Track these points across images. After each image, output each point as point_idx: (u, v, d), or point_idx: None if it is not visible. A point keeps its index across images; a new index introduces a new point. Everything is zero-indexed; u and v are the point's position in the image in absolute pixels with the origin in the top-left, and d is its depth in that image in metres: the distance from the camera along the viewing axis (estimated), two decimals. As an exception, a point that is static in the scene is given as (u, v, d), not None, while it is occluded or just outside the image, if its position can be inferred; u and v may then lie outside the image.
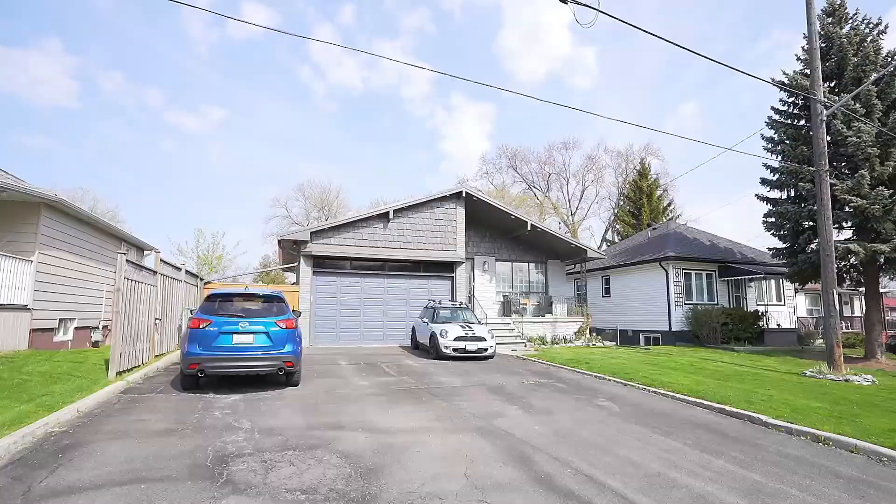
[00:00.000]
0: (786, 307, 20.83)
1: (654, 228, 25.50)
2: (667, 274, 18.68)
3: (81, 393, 6.90)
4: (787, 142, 16.14)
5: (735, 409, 6.53)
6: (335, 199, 47.60)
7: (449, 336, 12.03)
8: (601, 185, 46.13)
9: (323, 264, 16.04)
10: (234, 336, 7.36)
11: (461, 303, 15.12)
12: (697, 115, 73.06)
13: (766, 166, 16.80)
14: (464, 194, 17.43)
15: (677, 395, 7.54)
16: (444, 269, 17.44)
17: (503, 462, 4.54)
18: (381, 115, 72.38)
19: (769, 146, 16.73)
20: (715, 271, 19.59)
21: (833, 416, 6.29)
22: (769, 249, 17.28)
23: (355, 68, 69.74)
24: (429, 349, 12.72)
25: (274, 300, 8.03)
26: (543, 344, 16.64)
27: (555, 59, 69.93)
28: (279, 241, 15.57)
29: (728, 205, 65.81)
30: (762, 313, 17.95)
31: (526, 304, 19.51)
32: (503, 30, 70.01)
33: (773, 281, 20.43)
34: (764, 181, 16.90)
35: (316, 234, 15.69)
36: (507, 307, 18.51)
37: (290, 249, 15.94)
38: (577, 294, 22.68)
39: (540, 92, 70.91)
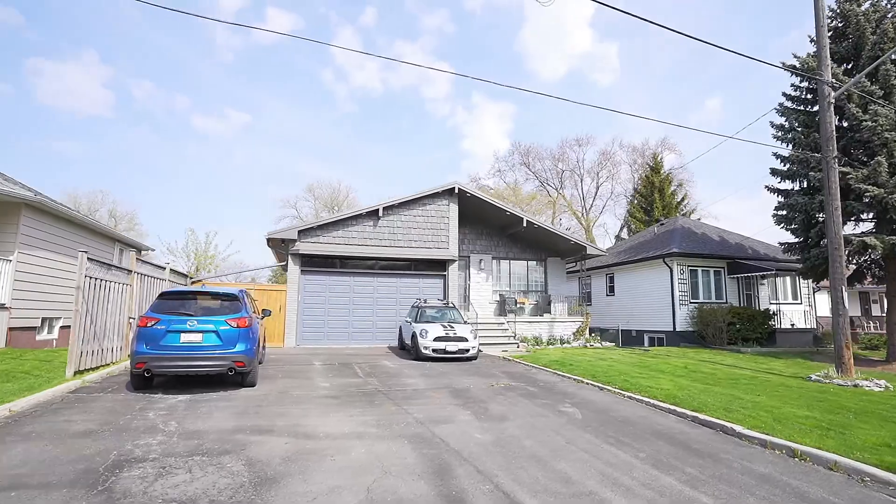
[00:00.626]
0: (802, 306, 19.67)
1: (662, 224, 24.52)
2: (671, 271, 17.83)
3: (28, 392, 6.73)
4: (799, 129, 15.16)
5: (709, 418, 5.91)
6: (345, 199, 47.75)
7: (428, 336, 11.60)
8: (616, 181, 44.99)
9: (311, 263, 15.81)
10: (182, 335, 7.09)
11: (447, 302, 14.66)
12: (721, 108, 70.74)
13: (777, 156, 15.84)
14: (456, 190, 16.96)
15: (652, 401, 6.93)
16: (436, 267, 17.01)
17: (419, 475, 4.09)
18: (400, 115, 72.43)
19: (779, 134, 15.77)
20: (724, 268, 18.61)
21: (820, 426, 5.62)
22: (780, 244, 16.30)
23: (376, 70, 69.93)
24: (410, 349, 12.31)
25: (229, 298, 7.74)
26: (538, 345, 16.04)
27: (576, 57, 68.70)
28: (268, 240, 15.40)
29: (734, 193, 63.42)
30: (773, 312, 16.92)
31: (524, 304, 18.93)
32: (524, 28, 69.09)
33: (787, 278, 19.31)
34: (774, 171, 15.93)
35: (303, 232, 15.46)
36: (502, 307, 17.96)
37: (280, 248, 15.75)
38: (582, 293, 21.97)
39: (561, 90, 69.74)
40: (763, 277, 18.57)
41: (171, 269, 13.23)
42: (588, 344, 16.59)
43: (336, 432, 5.35)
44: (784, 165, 15.81)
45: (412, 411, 6.42)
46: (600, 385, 8.28)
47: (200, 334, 7.16)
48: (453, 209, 17.20)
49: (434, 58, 70.12)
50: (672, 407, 6.54)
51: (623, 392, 7.65)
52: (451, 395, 7.49)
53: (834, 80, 11.30)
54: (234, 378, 7.68)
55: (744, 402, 6.76)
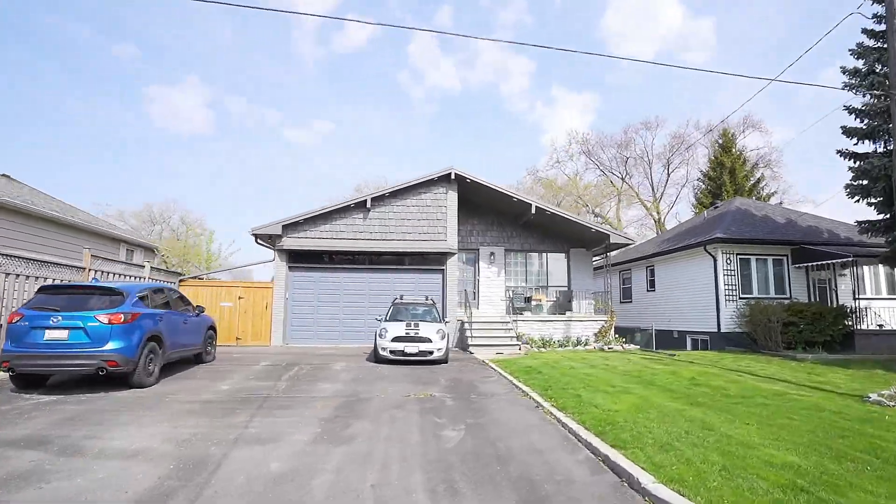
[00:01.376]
0: (902, 302, 15.47)
1: (716, 206, 20.92)
2: (714, 261, 14.81)
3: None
4: (880, 71, 11.71)
5: (620, 460, 3.99)
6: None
7: (387, 336, 10.28)
8: (692, 166, 40.00)
9: (298, 259, 15.17)
10: (47, 332, 6.48)
11: (428, 299, 13.20)
12: (835, 80, 60.87)
13: (849, 109, 12.42)
14: (453, 176, 15.44)
15: (577, 428, 5.05)
16: (434, 261, 15.60)
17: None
18: (479, 113, 71.30)
19: (853, 81, 12.34)
20: (786, 256, 15.13)
21: (799, 488, 3.51)
22: (856, 223, 12.81)
23: (453, 69, 69.44)
24: (378, 350, 11.07)
25: (108, 293, 7.04)
26: (544, 347, 14.01)
27: (665, 37, 63.13)
28: (256, 237, 14.98)
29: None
30: (851, 309, 13.29)
31: (540, 301, 16.87)
32: (607, 12, 64.85)
33: (881, 268, 15.27)
34: (847, 131, 12.53)
35: (289, 227, 14.85)
36: (512, 304, 16.07)
37: (268, 244, 15.28)
38: (607, 289, 19.42)
39: (648, 73, 64.56)
40: (843, 266, 14.80)
41: (151, 268, 13.22)
42: (607, 347, 14.21)
43: (123, 449, 4.32)
44: (860, 122, 12.35)
45: (254, 424, 5.20)
46: (541, 401, 6.44)
47: (66, 331, 6.50)
48: (451, 197, 15.70)
49: (512, 52, 68.05)
50: (593, 438, 4.64)
51: (559, 411, 5.79)
52: (339, 407, 6.14)
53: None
54: (127, 379, 6.96)
55: (707, 437, 4.66)
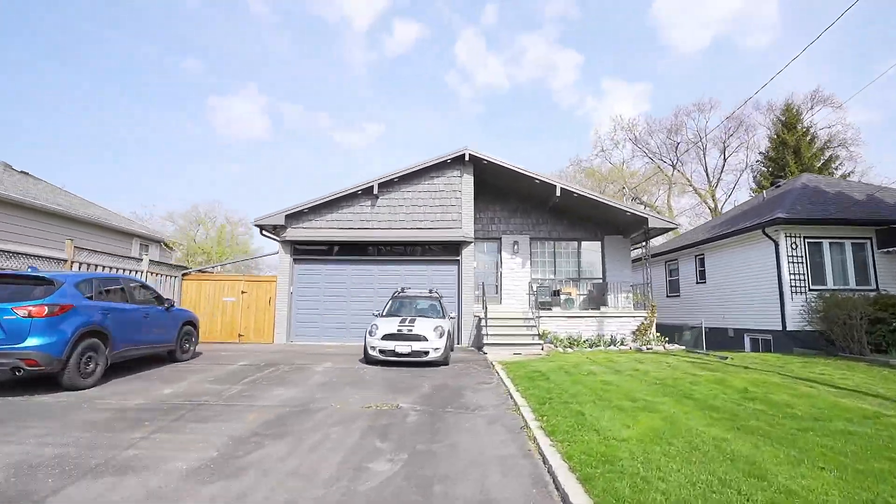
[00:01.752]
0: None
1: (778, 185, 18.09)
2: (776, 246, 12.43)
3: None
4: None
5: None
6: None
7: (377, 333, 9.03)
8: (752, 150, 36.12)
9: (303, 251, 14.27)
10: (-41, 326, 5.71)
11: (431, 291, 11.84)
12: None
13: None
14: (467, 157, 13.99)
15: (554, 464, 3.54)
16: (447, 251, 14.23)
17: None
18: (527, 110, 69.32)
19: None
20: (871, 238, 12.46)
21: None
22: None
23: (500, 66, 67.93)
24: (371, 348, 9.85)
25: (35, 282, 6.21)
26: (571, 346, 12.27)
27: (723, 21, 58.32)
28: (260, 229, 14.23)
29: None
30: (963, 304, 10.57)
31: (570, 295, 15.10)
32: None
33: None
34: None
35: (291, 217, 13.97)
36: (537, 298, 14.36)
37: (273, 235, 14.49)
38: (667, 281, 17.28)
39: (706, 60, 59.88)
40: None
41: (151, 261, 12.73)
42: (646, 347, 12.27)
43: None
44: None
45: (144, 444, 4.10)
46: (529, 420, 4.92)
47: (-21, 326, 5.70)
48: (466, 181, 14.25)
49: (559, 46, 65.48)
50: (573, 487, 3.12)
51: (546, 437, 4.27)
52: (271, 421, 4.93)
53: None
54: (57, 380, 6.14)
55: (754, 494, 3.01)
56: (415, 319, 9.41)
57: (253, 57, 69.82)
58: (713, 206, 39.27)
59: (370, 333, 9.15)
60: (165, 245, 17.57)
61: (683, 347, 12.65)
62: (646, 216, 13.85)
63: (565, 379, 7.23)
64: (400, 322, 9.25)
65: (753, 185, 32.16)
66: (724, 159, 39.11)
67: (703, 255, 16.64)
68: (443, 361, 9.05)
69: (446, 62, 70.31)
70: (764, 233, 12.71)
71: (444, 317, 10.27)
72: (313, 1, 64.71)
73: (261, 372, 8.00)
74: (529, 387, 6.66)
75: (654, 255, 18.28)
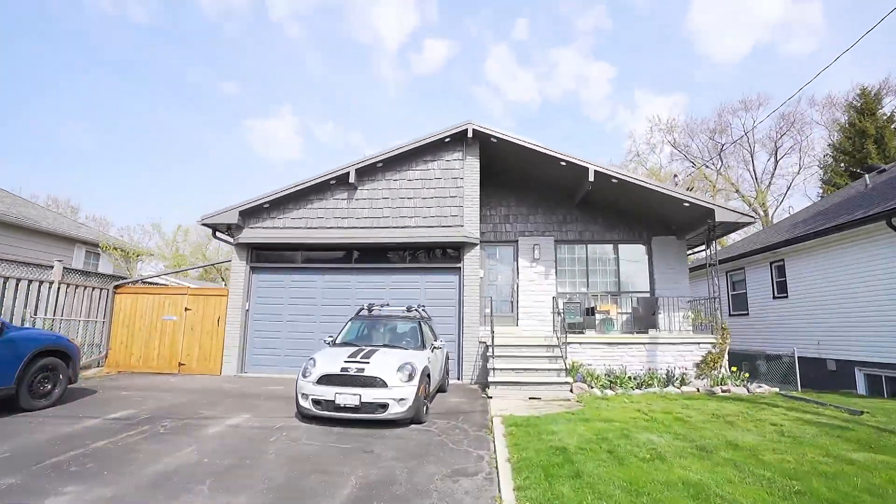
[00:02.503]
0: None
1: (882, 171, 14.05)
2: (912, 243, 8.65)
3: None
4: None
5: None
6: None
7: (312, 373, 5.84)
8: (806, 152, 31.60)
9: (263, 257, 11.38)
10: None
11: (410, 308, 8.61)
12: None
13: None
14: (471, 133, 10.84)
15: None
16: (445, 256, 11.04)
17: None
18: (558, 122, 66.55)
19: None
20: None
21: None
22: None
23: (531, 81, 65.68)
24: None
25: None
26: (611, 387, 8.75)
27: (764, 28, 53.93)
28: (212, 228, 11.38)
29: None
30: None
31: (608, 313, 11.58)
32: (692, 7, 57.02)
33: None
34: None
35: (248, 213, 11.12)
36: (564, 318, 10.87)
37: (229, 237, 11.62)
38: (728, 295, 13.53)
39: (746, 70, 55.36)
40: None
41: (65, 269, 10.06)
42: (720, 388, 8.62)
43: None
44: None
45: None
46: None
47: None
48: (470, 166, 11.09)
49: (592, 59, 62.57)
50: None
51: None
52: None
53: None
54: None
55: None
56: (373, 352, 6.18)
57: (287, 79, 69.53)
58: (763, 212, 34.65)
59: (304, 374, 5.94)
60: (125, 254, 15.07)
61: (776, 389, 8.87)
62: (711, 206, 10.26)
63: (611, 472, 3.83)
64: (349, 356, 6.03)
65: (821, 184, 27.63)
66: (776, 161, 34.58)
67: (781, 261, 12.79)
68: (410, 419, 5.75)
69: (475, 77, 68.30)
70: (888, 224, 8.92)
71: (423, 347, 6.98)
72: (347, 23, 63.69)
73: (111, 437, 4.96)
74: (545, 493, 3.32)
75: (697, 266, 14.49)
